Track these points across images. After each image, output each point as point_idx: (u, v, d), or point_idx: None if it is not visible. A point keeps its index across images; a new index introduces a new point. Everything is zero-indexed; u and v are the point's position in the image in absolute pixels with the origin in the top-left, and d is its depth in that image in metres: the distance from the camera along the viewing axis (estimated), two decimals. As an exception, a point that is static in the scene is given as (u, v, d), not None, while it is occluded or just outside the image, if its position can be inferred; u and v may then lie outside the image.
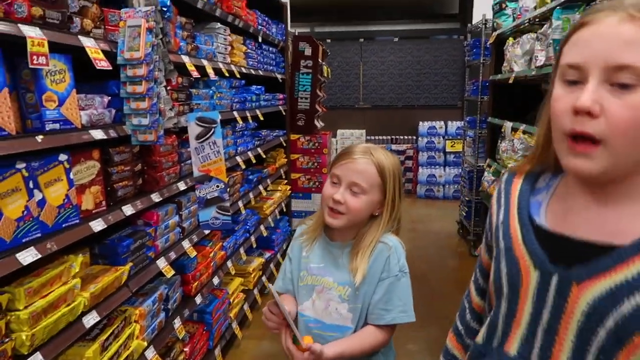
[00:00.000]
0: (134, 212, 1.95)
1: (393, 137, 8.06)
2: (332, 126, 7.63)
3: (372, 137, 8.07)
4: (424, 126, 7.79)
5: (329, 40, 8.12)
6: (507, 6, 4.40)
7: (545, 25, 3.18)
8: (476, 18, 5.83)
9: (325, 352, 1.31)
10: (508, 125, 4.00)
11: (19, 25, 1.36)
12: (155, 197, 2.15)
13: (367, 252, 1.42)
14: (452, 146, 7.67)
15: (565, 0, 2.83)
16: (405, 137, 8.05)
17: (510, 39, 4.08)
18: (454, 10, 8.35)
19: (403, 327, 1.49)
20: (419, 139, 7.83)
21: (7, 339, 1.36)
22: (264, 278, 3.88)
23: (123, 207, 1.91)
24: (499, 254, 0.87)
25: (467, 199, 5.49)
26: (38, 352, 1.45)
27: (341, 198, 1.37)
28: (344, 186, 1.38)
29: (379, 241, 1.43)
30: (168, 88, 2.21)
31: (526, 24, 3.76)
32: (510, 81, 3.88)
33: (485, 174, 4.78)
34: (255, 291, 3.69)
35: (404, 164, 7.99)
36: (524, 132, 3.66)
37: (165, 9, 2.11)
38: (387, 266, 1.41)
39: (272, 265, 4.12)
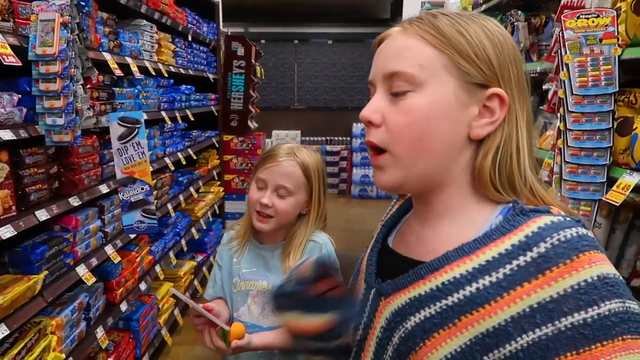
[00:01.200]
0: (49, 217, 1.84)
1: (328, 138, 8.15)
2: (267, 127, 7.60)
3: (307, 138, 8.13)
4: (357, 127, 7.94)
5: (263, 41, 8.09)
6: (433, 13, 4.58)
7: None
8: (406, 23, 5.99)
9: (253, 341, 1.30)
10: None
11: None
12: (74, 201, 2.04)
13: (299, 251, 1.42)
14: (384, 147, 7.86)
15: (484, 9, 3.00)
16: (340, 138, 8.17)
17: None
18: (386, 15, 8.58)
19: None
20: (353, 140, 7.97)
21: None
22: (196, 282, 3.79)
23: (36, 212, 1.79)
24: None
25: (396, 196, 5.65)
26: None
27: (269, 202, 1.37)
28: (271, 189, 1.38)
29: (309, 240, 1.45)
30: (87, 86, 2.11)
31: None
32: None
33: (415, 174, 4.94)
34: (187, 295, 3.60)
35: (339, 165, 8.11)
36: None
37: (83, 3, 2.02)
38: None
39: (204, 269, 4.03)
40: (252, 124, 5.27)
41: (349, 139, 8.13)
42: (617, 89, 1.68)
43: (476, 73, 0.67)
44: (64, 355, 1.94)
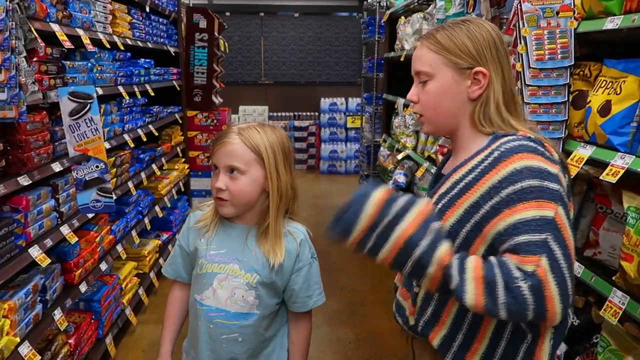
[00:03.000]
0: (-5, 197, 1.76)
1: (295, 113, 8.08)
2: (234, 102, 7.47)
3: (275, 114, 8.04)
4: (325, 102, 7.89)
5: (228, 14, 7.87)
6: (399, -15, 4.53)
7: (432, 5, 3.32)
8: (372, -4, 5.92)
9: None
10: (400, 101, 4.17)
11: None
12: (23, 180, 1.95)
13: (277, 232, 1.39)
14: (352, 122, 7.86)
15: (447, -19, 2.97)
16: (308, 114, 8.11)
17: (402, 17, 4.22)
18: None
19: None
20: (321, 115, 7.93)
21: None
22: (161, 260, 3.74)
23: (-19, 192, 1.71)
24: None
25: (365, 173, 5.68)
26: None
27: (222, 185, 1.34)
28: (223, 171, 1.35)
29: (288, 231, 1.42)
30: (34, 59, 2.01)
31: (415, 4, 3.91)
32: (402, 59, 4.02)
33: (381, 148, 4.96)
34: (152, 274, 3.55)
35: (307, 140, 8.07)
36: (414, 109, 3.83)
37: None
38: (301, 256, 1.42)
39: (170, 247, 3.98)
40: (217, 99, 5.16)
41: (317, 114, 8.08)
42: (573, 62, 1.69)
43: (462, 62, 1.12)
44: (18, 339, 1.88)
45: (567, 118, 1.73)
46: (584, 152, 1.63)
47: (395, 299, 1.33)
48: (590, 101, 1.63)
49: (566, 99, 1.73)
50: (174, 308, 1.54)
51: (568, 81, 1.71)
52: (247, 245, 1.41)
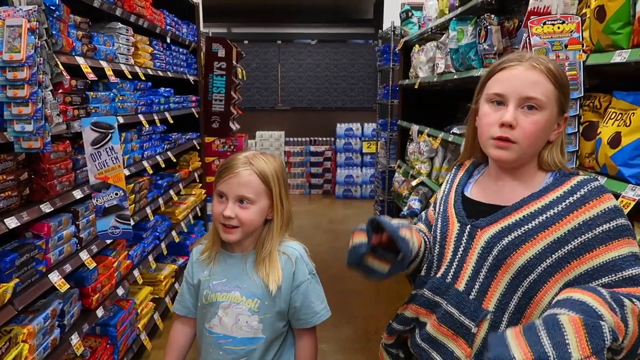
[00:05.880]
0: (19, 224, 1.82)
1: (311, 138, 8.16)
2: (251, 128, 7.60)
3: (291, 139, 8.13)
4: (341, 128, 7.96)
5: (246, 42, 8.07)
6: (413, 15, 4.62)
7: (445, 35, 3.38)
8: (387, 24, 6.04)
9: None
10: (415, 128, 4.20)
11: None
12: (46, 207, 2.02)
13: (273, 257, 1.44)
14: (368, 147, 7.90)
15: (460, 12, 3.02)
16: (324, 139, 8.18)
17: (416, 46, 4.28)
18: (368, 15, 8.61)
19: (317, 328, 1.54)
20: (337, 140, 7.99)
21: None
22: (177, 285, 3.78)
23: (6, 220, 1.77)
24: (438, 215, 1.33)
25: (380, 198, 5.69)
26: None
27: (231, 213, 1.38)
28: (232, 201, 1.39)
29: (283, 252, 1.46)
30: (59, 91, 2.10)
31: (429, 33, 3.96)
32: (416, 86, 4.07)
33: (396, 174, 4.98)
34: (167, 299, 3.58)
35: (323, 165, 8.12)
36: (429, 135, 3.86)
37: (53, 7, 2.00)
38: (298, 274, 1.45)
39: (182, 271, 4.01)
40: (234, 126, 5.26)
41: (332, 139, 8.15)
42: (583, 94, 1.71)
43: (566, 105, 1.17)
44: (36, 363, 1.92)
45: (577, 149, 1.74)
46: (595, 182, 1.63)
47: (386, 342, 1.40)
48: (600, 132, 1.63)
49: (576, 130, 1.74)
50: (178, 339, 1.58)
51: (578, 112, 1.73)
52: (246, 271, 1.45)
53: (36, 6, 1.70)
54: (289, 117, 8.27)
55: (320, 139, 8.17)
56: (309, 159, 8.11)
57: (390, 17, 5.83)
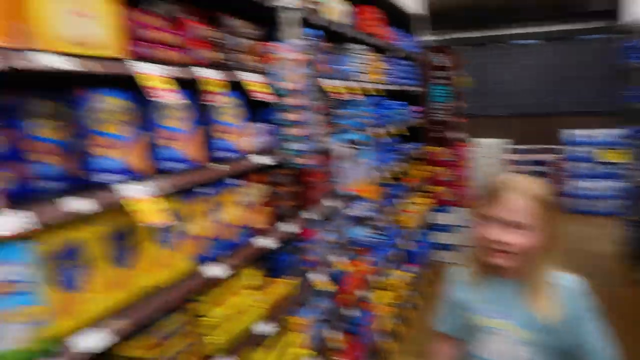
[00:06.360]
0: (296, 230, 2.11)
1: (538, 146, 7.45)
2: (472, 135, 7.34)
3: (517, 147, 7.59)
4: (572, 134, 7.05)
5: (468, 47, 7.85)
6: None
7: None
8: (629, 17, 5.20)
9: None
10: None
11: (202, 69, 1.58)
12: (311, 215, 2.29)
13: (545, 285, 1.39)
14: (608, 156, 6.81)
15: None
16: (552, 147, 7.38)
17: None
18: (601, 7, 7.54)
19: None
20: (568, 148, 7.10)
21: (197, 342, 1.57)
22: (410, 293, 3.87)
23: (285, 225, 2.07)
24: None
25: (630, 218, 4.83)
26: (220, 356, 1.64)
27: (509, 239, 1.35)
28: (505, 226, 1.36)
29: (557, 284, 1.40)
30: (320, 112, 2.37)
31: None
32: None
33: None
34: (403, 306, 3.70)
35: (551, 176, 7.33)
36: None
37: (317, 40, 2.28)
38: (575, 308, 1.38)
39: (417, 279, 4.09)
40: (457, 134, 5.19)
41: (562, 147, 7.28)
42: None
43: None
44: (306, 352, 2.18)
45: None
46: None
47: None
48: None
49: None
50: (443, 357, 1.60)
51: None
52: (518, 300, 1.41)
53: (310, 42, 1.95)
54: (512, 124, 7.74)
55: (548, 146, 7.40)
56: (534, 168, 7.43)
57: (636, 8, 5.01)
